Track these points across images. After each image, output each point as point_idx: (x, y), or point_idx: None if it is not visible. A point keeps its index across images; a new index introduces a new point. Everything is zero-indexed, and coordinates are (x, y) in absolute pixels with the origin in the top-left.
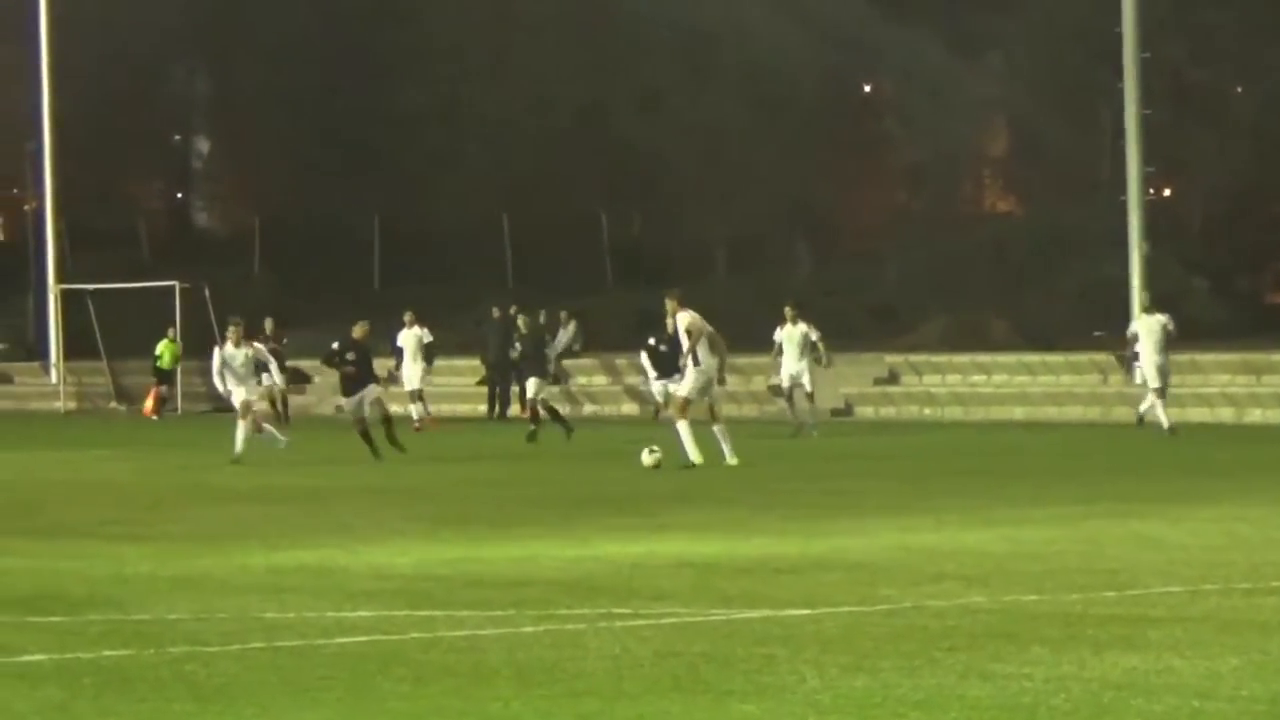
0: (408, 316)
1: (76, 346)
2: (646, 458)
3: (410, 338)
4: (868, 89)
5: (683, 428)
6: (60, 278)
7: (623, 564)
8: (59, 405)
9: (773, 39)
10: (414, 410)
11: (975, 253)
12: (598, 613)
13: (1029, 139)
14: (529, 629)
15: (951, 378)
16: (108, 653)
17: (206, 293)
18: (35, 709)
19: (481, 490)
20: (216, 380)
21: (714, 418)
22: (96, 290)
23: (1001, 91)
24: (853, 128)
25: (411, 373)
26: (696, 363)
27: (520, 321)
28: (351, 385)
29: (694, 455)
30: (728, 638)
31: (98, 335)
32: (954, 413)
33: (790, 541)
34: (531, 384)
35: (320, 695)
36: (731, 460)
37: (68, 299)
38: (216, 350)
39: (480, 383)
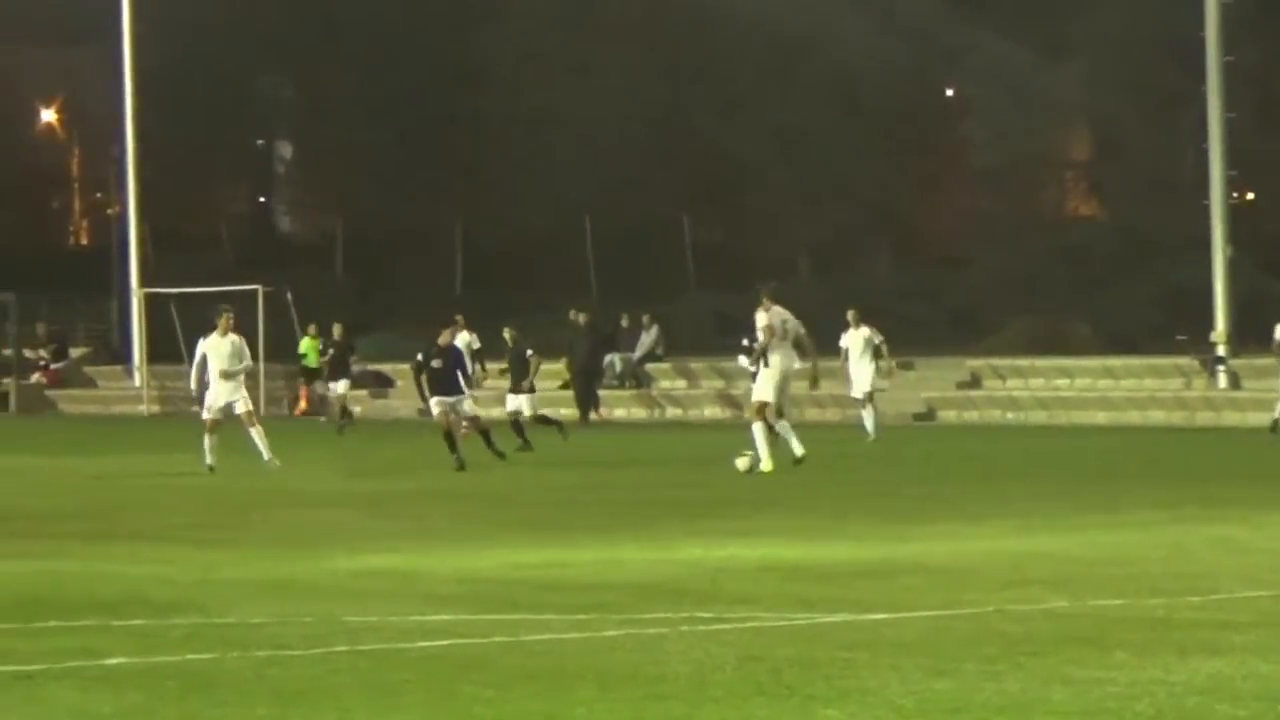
0: (458, 320)
1: (160, 350)
2: (740, 462)
3: (461, 342)
4: (950, 93)
5: (758, 430)
6: (144, 282)
7: (706, 568)
8: (142, 409)
9: (855, 42)
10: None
11: (1057, 256)
12: (680, 616)
13: (1111, 142)
14: (611, 633)
15: (1034, 381)
16: (191, 656)
17: (289, 297)
18: (119, 712)
19: (565, 494)
20: (193, 377)
21: (780, 415)
22: (179, 294)
23: (1083, 95)
24: (935, 131)
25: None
26: (767, 364)
27: (506, 334)
28: (436, 389)
29: (766, 462)
30: (810, 641)
31: (180, 339)
32: (1037, 417)
33: (873, 546)
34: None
35: (402, 698)
36: (799, 451)
37: (151, 303)
38: (200, 341)
39: (564, 386)
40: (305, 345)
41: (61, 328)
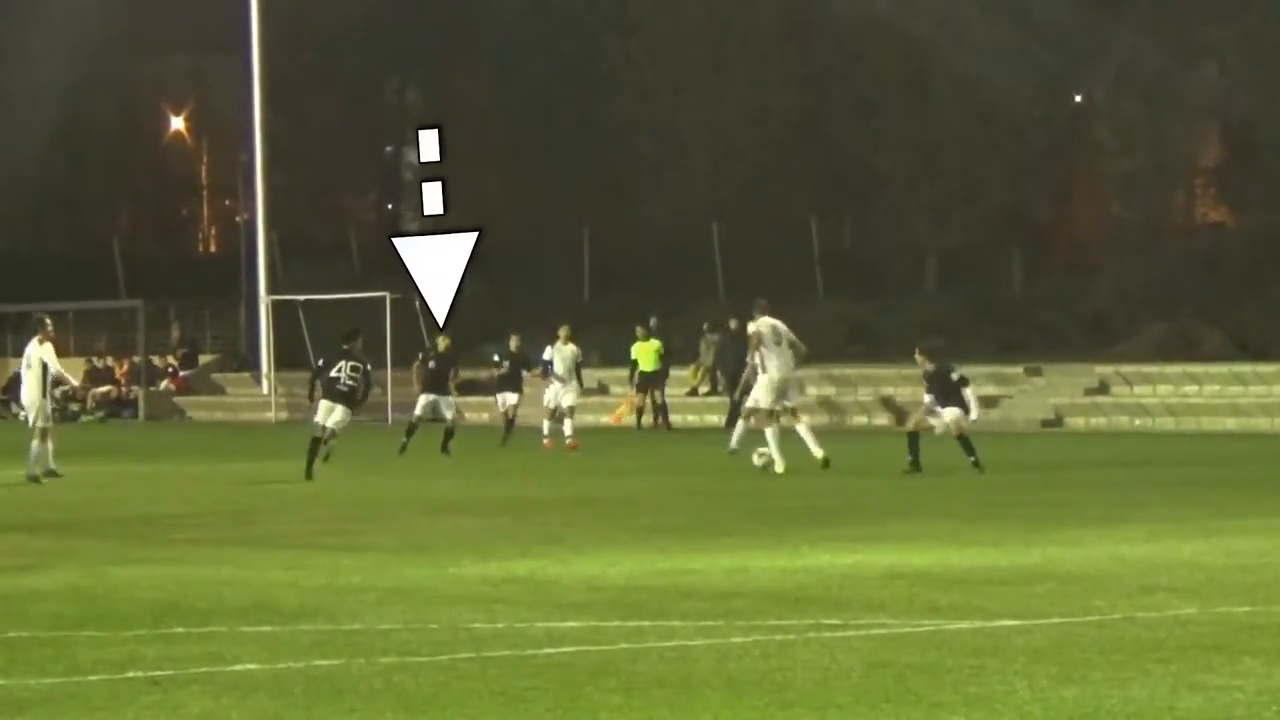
0: (563, 332)
1: (288, 357)
2: (756, 459)
3: (567, 353)
4: (1079, 98)
5: (769, 434)
6: (271, 289)
7: (833, 575)
8: (270, 416)
9: (986, 47)
10: (567, 427)
11: (1188, 262)
12: (807, 623)
13: (1243, 148)
14: (738, 640)
15: (1163, 388)
16: (318, 662)
17: (417, 304)
18: (247, 718)
19: (694, 501)
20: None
21: (794, 418)
22: (307, 301)
23: (1216, 99)
24: (1066, 137)
25: (565, 389)
26: (764, 371)
27: (512, 342)
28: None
29: (778, 463)
30: (938, 648)
31: (309, 346)
32: (1165, 423)
33: (1001, 552)
34: (512, 398)
35: (529, 705)
36: (818, 453)
37: (279, 310)
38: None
39: (709, 392)
40: (637, 349)
41: (193, 335)
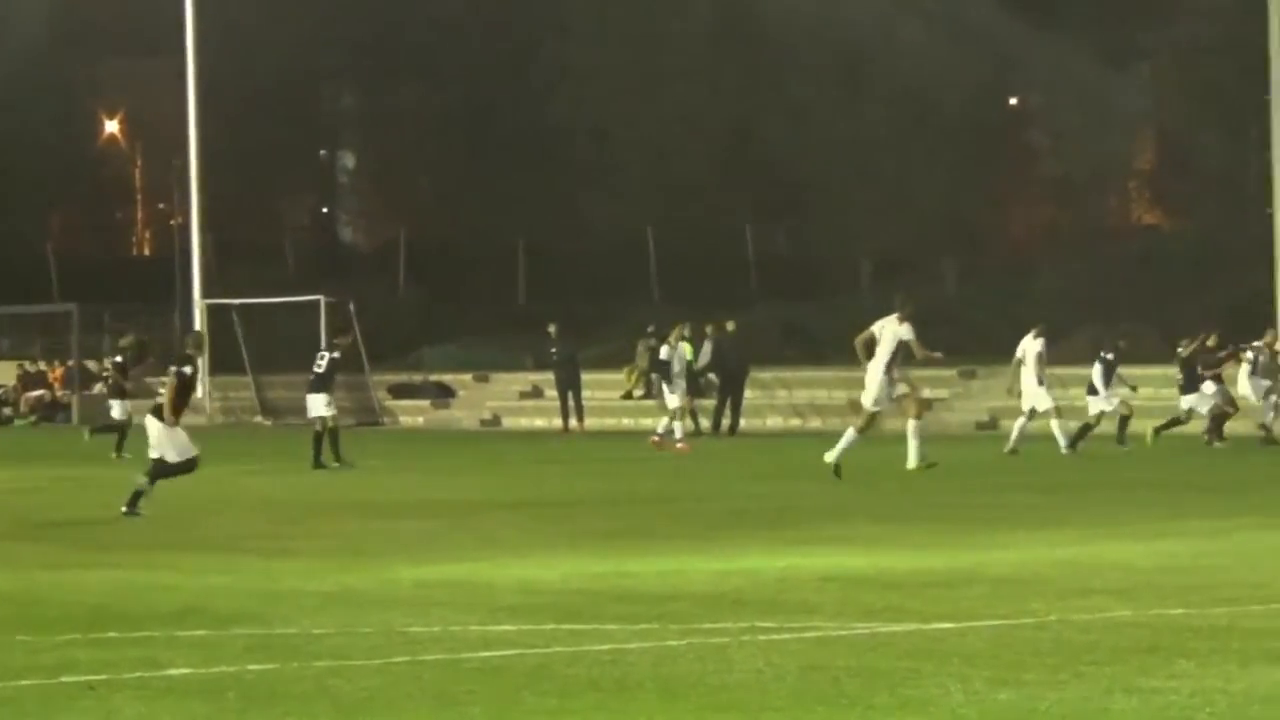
0: (676, 332)
1: (223, 361)
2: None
3: (683, 353)
4: (1013, 102)
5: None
6: (206, 292)
7: (768, 578)
8: (205, 419)
9: (921, 53)
10: (677, 430)
11: (1123, 265)
12: (742, 626)
13: (1177, 150)
14: (674, 643)
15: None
16: (252, 667)
17: (352, 308)
18: None
19: (630, 504)
20: None
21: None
22: (242, 305)
23: (1149, 103)
24: (1000, 141)
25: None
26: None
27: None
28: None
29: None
30: (872, 651)
31: (243, 350)
32: (1100, 425)
33: (936, 555)
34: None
35: (464, 709)
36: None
37: (214, 314)
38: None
39: (644, 396)
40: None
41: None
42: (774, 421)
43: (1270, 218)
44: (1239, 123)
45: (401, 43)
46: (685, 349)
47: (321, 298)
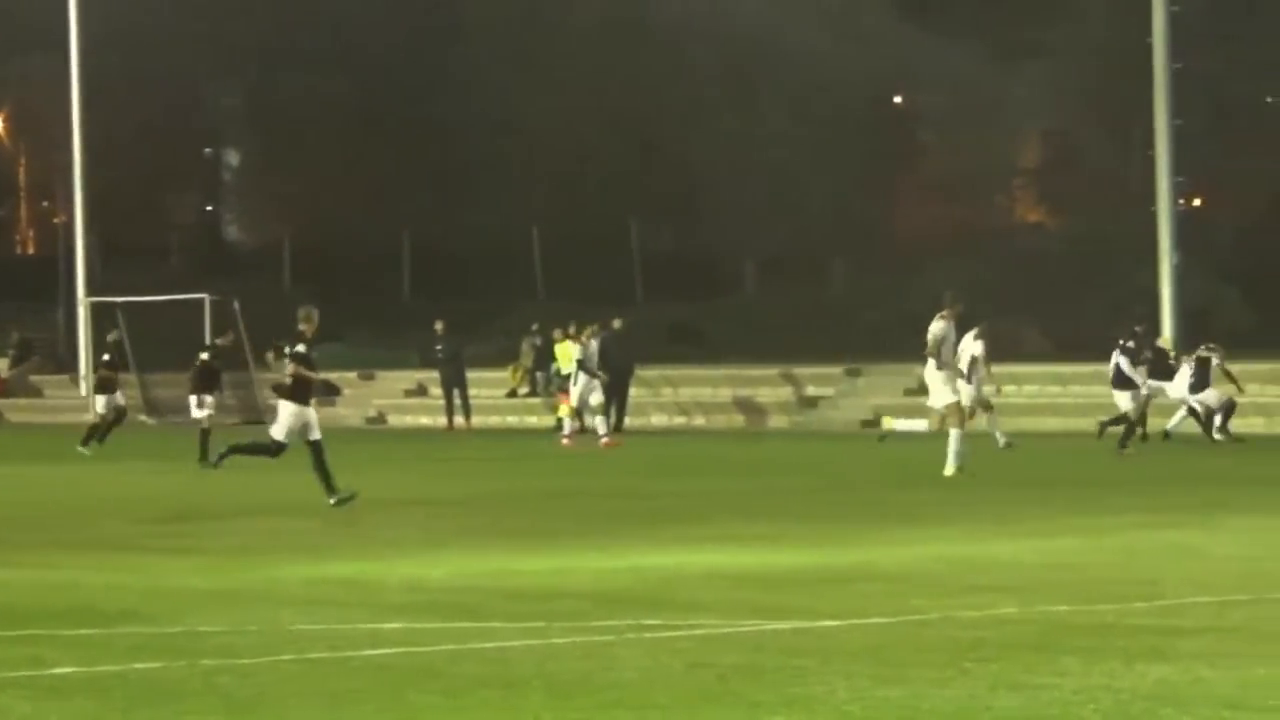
0: (589, 330)
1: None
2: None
3: (594, 350)
4: (898, 100)
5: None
6: (90, 291)
7: (654, 575)
8: (90, 418)
9: (811, 51)
10: (600, 425)
11: (1008, 263)
12: (628, 624)
13: (1062, 149)
14: (560, 640)
15: (983, 388)
16: (138, 666)
17: (236, 305)
18: None
19: (517, 502)
20: None
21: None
22: (126, 303)
23: (1036, 103)
24: (889, 140)
25: (593, 386)
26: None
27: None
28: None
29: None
30: (759, 649)
31: (128, 348)
32: (985, 423)
33: (822, 552)
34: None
35: (351, 707)
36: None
37: (98, 312)
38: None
39: (529, 393)
40: (559, 352)
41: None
42: (659, 419)
43: (1154, 216)
44: (1124, 122)
45: (287, 40)
46: (570, 347)
47: (206, 296)
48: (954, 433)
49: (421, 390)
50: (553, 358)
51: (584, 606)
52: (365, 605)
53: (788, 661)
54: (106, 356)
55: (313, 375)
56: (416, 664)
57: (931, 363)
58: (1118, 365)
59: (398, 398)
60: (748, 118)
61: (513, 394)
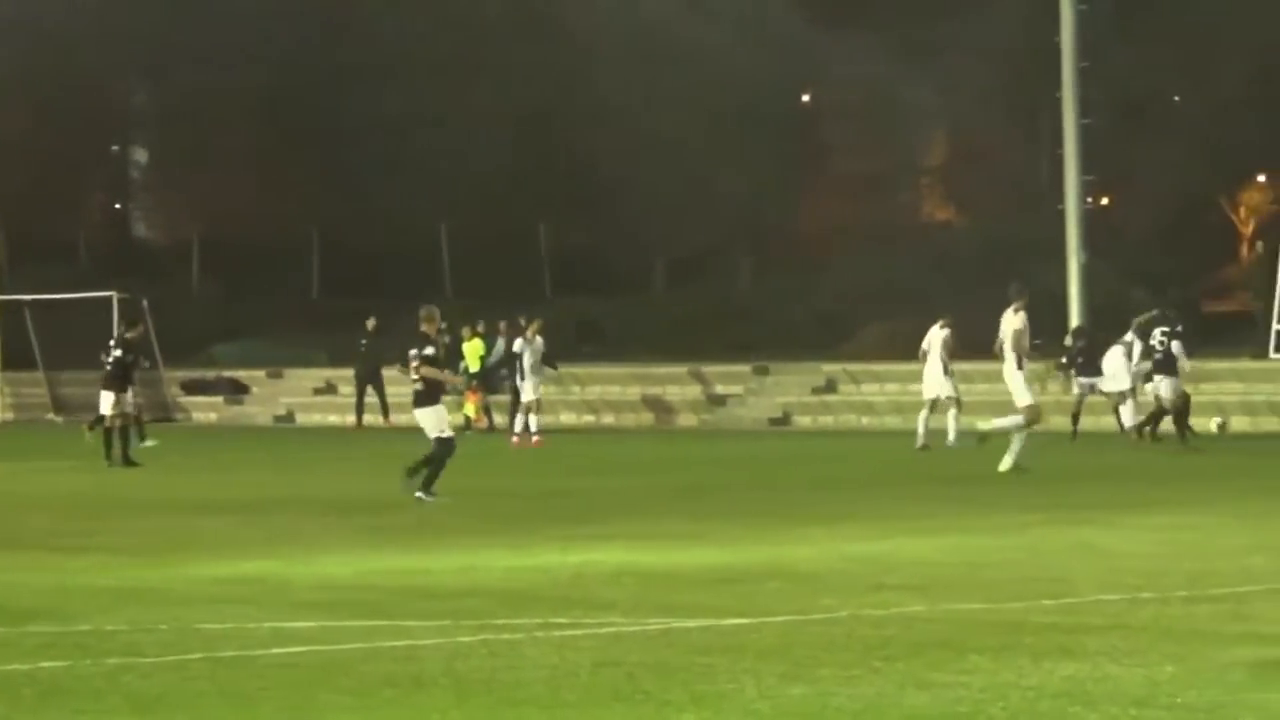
0: (534, 326)
1: (15, 358)
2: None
3: (538, 347)
4: (806, 99)
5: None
6: None
7: (562, 574)
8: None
9: (720, 50)
10: (532, 423)
11: (915, 262)
12: (536, 622)
13: (970, 148)
14: (468, 639)
15: (890, 386)
16: (45, 664)
17: (145, 304)
18: None
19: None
20: None
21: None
22: (34, 301)
23: (943, 100)
24: (795, 139)
25: (529, 384)
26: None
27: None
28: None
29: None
30: (666, 647)
31: (35, 347)
32: (892, 422)
33: (730, 551)
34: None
35: (258, 706)
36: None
37: (5, 310)
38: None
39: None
40: (468, 348)
41: None
42: (568, 418)
43: (1062, 215)
44: (1031, 119)
45: (192, 37)
46: (479, 344)
47: (114, 294)
48: (1021, 434)
49: (331, 388)
50: (461, 356)
51: (492, 605)
52: (273, 604)
53: (696, 660)
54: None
55: (442, 375)
56: (324, 662)
57: (1010, 360)
58: (1168, 350)
59: (306, 396)
60: (656, 116)
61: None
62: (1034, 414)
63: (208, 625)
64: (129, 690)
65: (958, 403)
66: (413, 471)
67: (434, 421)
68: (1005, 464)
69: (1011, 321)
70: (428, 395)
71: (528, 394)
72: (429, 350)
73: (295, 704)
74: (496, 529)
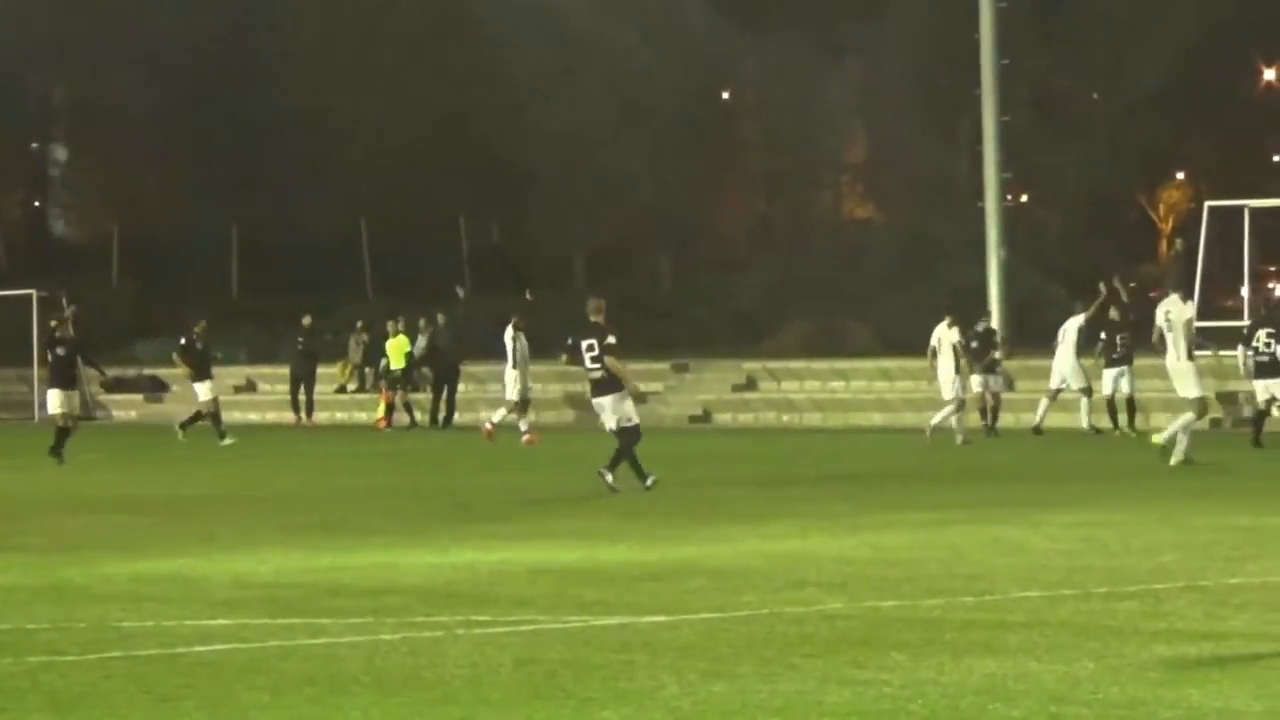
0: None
1: None
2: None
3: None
4: (725, 96)
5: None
6: None
7: (482, 571)
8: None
9: (633, 47)
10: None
11: (835, 259)
12: (456, 620)
13: (889, 146)
14: (388, 637)
15: (810, 384)
16: None
17: (65, 301)
18: None
19: (345, 498)
20: None
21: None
22: None
23: (861, 98)
24: (713, 136)
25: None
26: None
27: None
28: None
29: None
30: (586, 645)
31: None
32: (812, 419)
33: (650, 548)
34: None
35: (179, 704)
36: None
37: None
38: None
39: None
40: (391, 346)
41: None
42: (487, 415)
43: (982, 212)
44: (951, 117)
45: (108, 35)
46: (404, 341)
47: (34, 292)
48: (1188, 428)
49: (251, 386)
50: (383, 353)
51: (412, 603)
52: (192, 602)
53: (616, 657)
54: (184, 341)
55: (626, 373)
56: (244, 660)
57: (1172, 352)
58: (1274, 353)
59: (227, 394)
60: (574, 114)
61: (341, 390)
62: (1202, 407)
63: (128, 623)
64: (49, 689)
65: (962, 403)
66: (611, 468)
67: (624, 406)
68: (1176, 457)
69: (1182, 311)
70: (611, 384)
71: (515, 391)
72: (610, 339)
73: (216, 702)
74: (416, 527)
